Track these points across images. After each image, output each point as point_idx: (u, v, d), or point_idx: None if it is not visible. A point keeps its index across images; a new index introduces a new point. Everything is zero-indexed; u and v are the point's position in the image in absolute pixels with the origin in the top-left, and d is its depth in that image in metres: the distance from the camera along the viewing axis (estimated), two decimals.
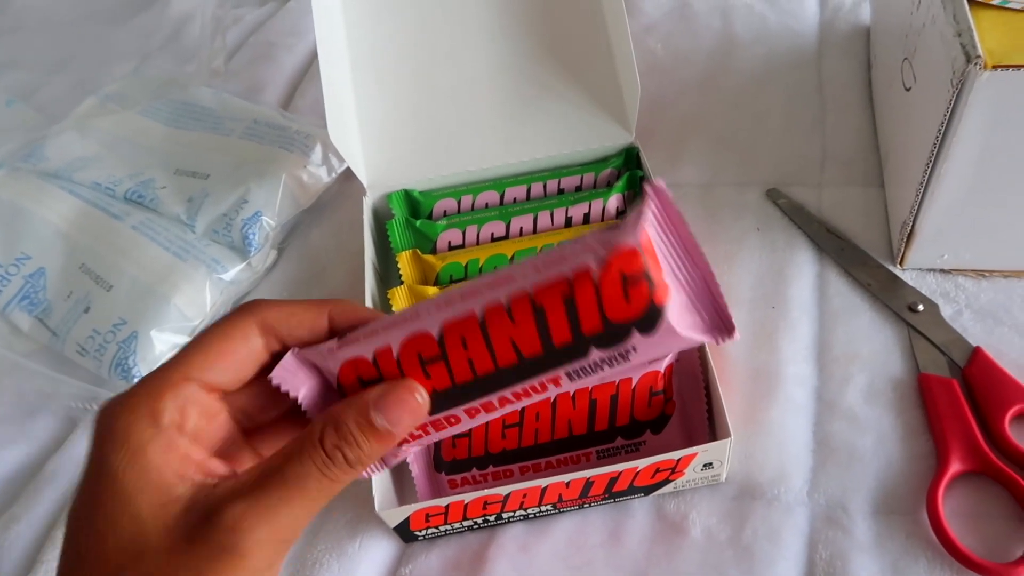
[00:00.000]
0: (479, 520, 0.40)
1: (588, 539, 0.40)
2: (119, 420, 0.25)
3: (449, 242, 0.49)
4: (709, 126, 0.59)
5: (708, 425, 0.41)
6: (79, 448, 0.48)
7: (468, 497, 0.37)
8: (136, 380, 0.47)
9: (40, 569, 0.43)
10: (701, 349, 0.41)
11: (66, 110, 0.66)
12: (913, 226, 0.45)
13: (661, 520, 0.40)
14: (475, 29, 0.54)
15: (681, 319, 0.25)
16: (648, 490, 0.40)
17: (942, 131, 0.39)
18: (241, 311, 0.28)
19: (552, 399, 0.40)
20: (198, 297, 0.51)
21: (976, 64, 0.36)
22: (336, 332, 0.29)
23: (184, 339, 0.50)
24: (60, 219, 0.55)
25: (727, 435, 0.38)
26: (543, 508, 0.40)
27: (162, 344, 0.49)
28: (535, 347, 0.26)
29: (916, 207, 0.44)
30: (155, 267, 0.52)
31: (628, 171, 0.50)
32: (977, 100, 0.37)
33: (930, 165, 0.41)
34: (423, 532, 0.40)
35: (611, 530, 0.41)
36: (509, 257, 0.47)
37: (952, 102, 0.38)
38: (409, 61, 0.54)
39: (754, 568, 0.38)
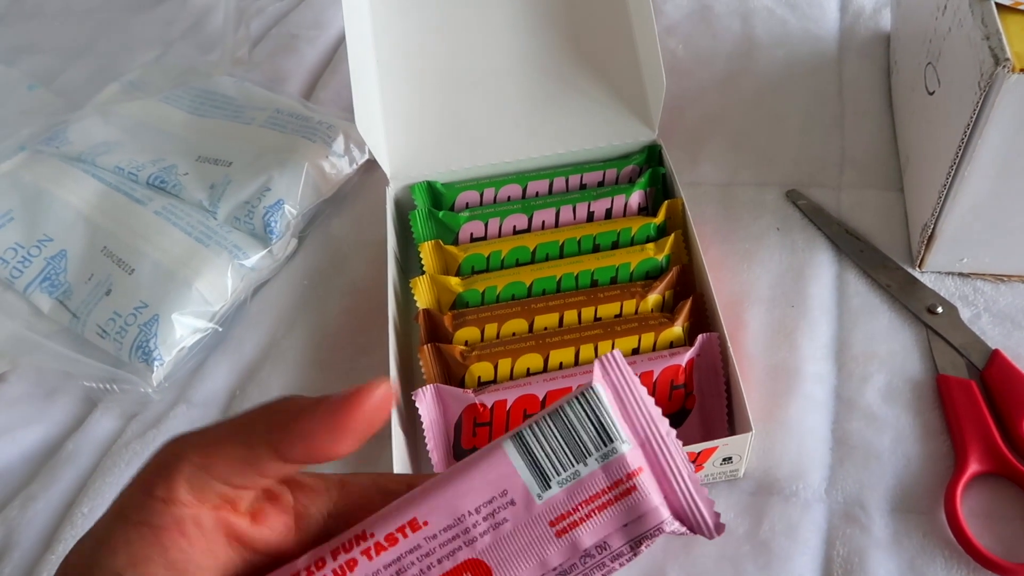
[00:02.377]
0: None
1: None
2: None
3: (471, 234, 0.49)
4: (729, 127, 0.59)
5: (727, 420, 0.41)
6: (97, 428, 0.48)
7: None
8: (156, 364, 0.48)
9: (58, 547, 0.43)
10: (723, 344, 0.41)
11: (87, 96, 0.66)
12: (934, 229, 0.45)
13: None
14: (500, 23, 0.54)
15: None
16: None
17: (967, 134, 0.39)
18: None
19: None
20: (219, 282, 0.51)
21: (1004, 67, 0.36)
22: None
23: (204, 323, 0.50)
24: (82, 202, 0.56)
25: (747, 430, 0.38)
26: None
27: (183, 328, 0.49)
28: None
29: (938, 210, 0.44)
30: (177, 252, 0.52)
31: (650, 168, 0.51)
32: (1004, 103, 0.37)
33: (954, 168, 0.41)
34: None
35: None
36: (531, 249, 0.47)
37: (979, 105, 0.38)
38: (434, 54, 0.54)
39: (771, 563, 0.38)
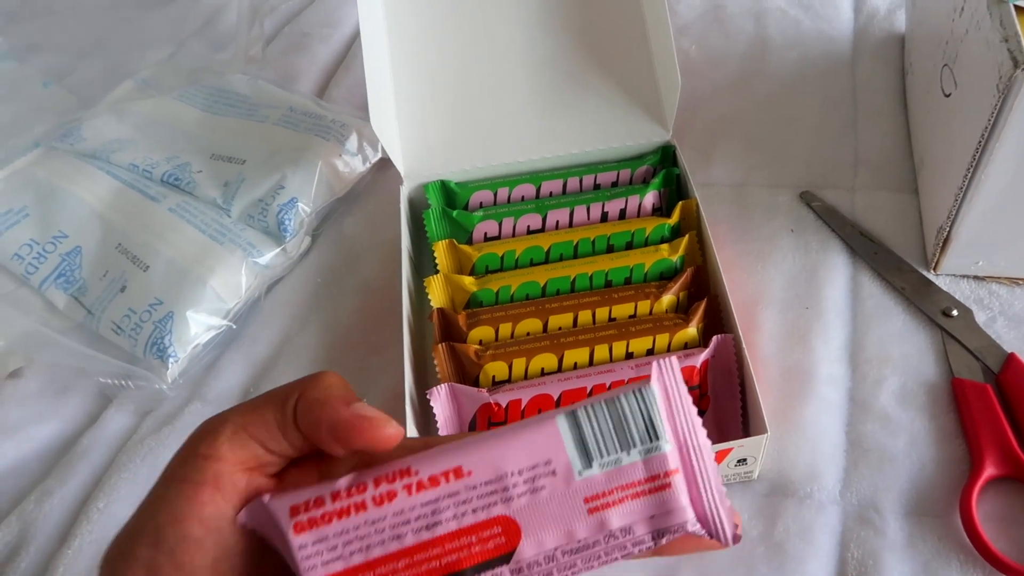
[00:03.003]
0: None
1: None
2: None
3: (485, 233, 0.49)
4: (742, 128, 0.59)
5: (742, 422, 0.41)
6: (112, 425, 0.48)
7: None
8: (171, 360, 0.48)
9: (73, 543, 0.43)
10: (737, 345, 0.41)
11: (100, 93, 0.67)
12: (949, 232, 0.45)
13: None
14: (515, 23, 0.54)
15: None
16: None
17: (985, 137, 0.39)
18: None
19: (588, 391, 0.40)
20: (233, 280, 0.51)
21: (1023, 69, 0.36)
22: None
23: (219, 321, 0.50)
24: (97, 199, 0.56)
25: (762, 431, 0.38)
26: None
27: (197, 325, 0.49)
28: None
29: (954, 213, 0.44)
30: (192, 249, 0.52)
31: (664, 168, 0.51)
32: (1023, 105, 0.37)
33: (970, 171, 0.41)
34: None
35: None
36: (545, 249, 0.47)
37: (997, 108, 0.38)
38: (448, 53, 0.54)
39: (785, 565, 0.38)
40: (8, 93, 0.69)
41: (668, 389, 0.24)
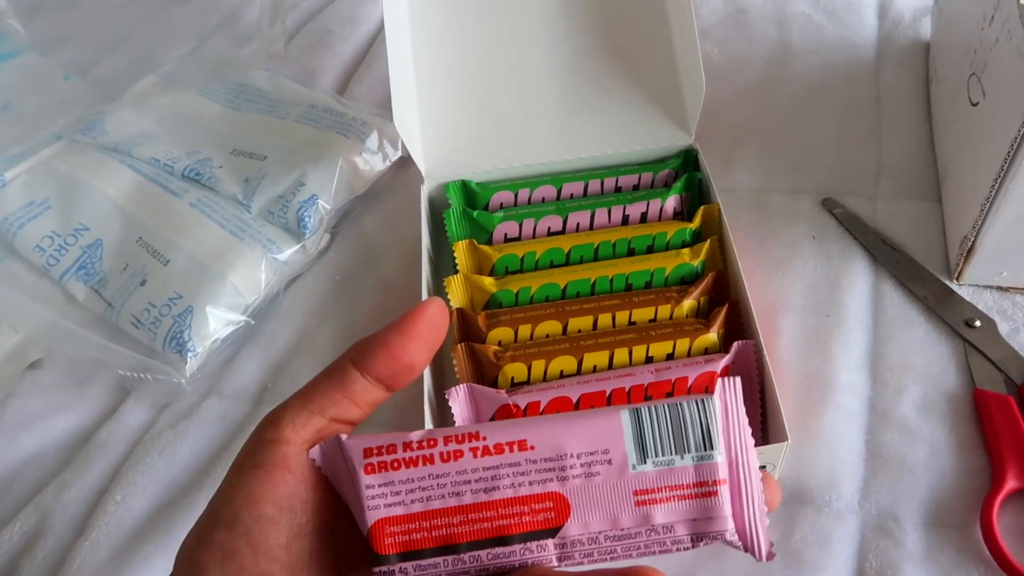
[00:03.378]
0: None
1: None
2: None
3: (505, 234, 0.49)
4: (763, 133, 0.59)
5: (761, 429, 0.41)
6: (130, 418, 0.49)
7: None
8: (190, 355, 0.48)
9: (91, 534, 0.43)
10: (758, 352, 0.41)
11: (122, 87, 0.67)
12: (974, 242, 0.44)
13: None
14: (538, 24, 0.54)
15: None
16: None
17: (1015, 147, 0.39)
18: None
19: (607, 396, 0.40)
20: (253, 276, 0.51)
21: None
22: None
23: (237, 316, 0.51)
24: (118, 193, 0.56)
25: (783, 439, 0.38)
26: None
27: (216, 320, 0.50)
28: None
29: (979, 223, 0.43)
30: (212, 244, 0.52)
31: (686, 173, 0.51)
32: None
33: (998, 181, 0.41)
34: None
35: None
36: (566, 251, 0.47)
37: None
38: (472, 54, 0.54)
39: (802, 573, 0.38)
40: (31, 86, 0.69)
41: (728, 406, 0.26)
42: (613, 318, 0.44)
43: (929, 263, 0.49)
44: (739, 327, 0.44)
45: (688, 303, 0.44)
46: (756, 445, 0.38)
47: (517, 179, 0.52)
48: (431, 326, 0.27)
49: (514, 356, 0.42)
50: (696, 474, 0.25)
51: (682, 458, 0.25)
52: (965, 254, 0.45)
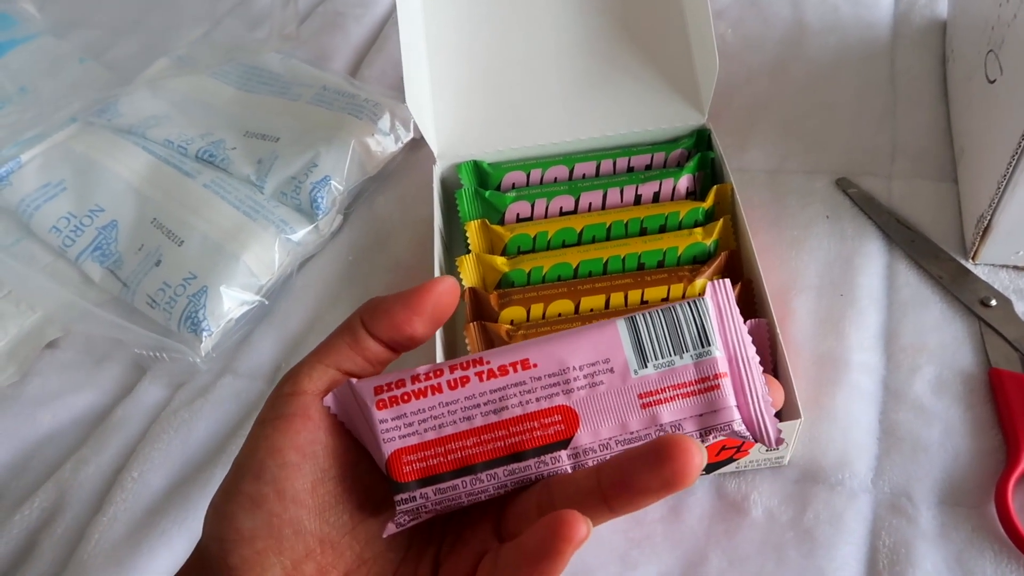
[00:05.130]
0: None
1: (648, 514, 0.41)
2: None
3: (517, 214, 0.49)
4: (778, 113, 0.58)
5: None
6: (146, 396, 0.49)
7: None
8: (205, 334, 0.49)
9: (109, 509, 0.44)
10: (771, 330, 0.41)
11: (137, 70, 0.67)
12: (991, 220, 0.44)
13: (722, 499, 0.41)
14: (550, 4, 0.54)
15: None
16: (711, 468, 0.40)
17: None
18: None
19: None
20: (266, 256, 0.52)
21: None
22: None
23: (251, 296, 0.51)
24: (133, 174, 0.57)
25: (795, 417, 0.38)
26: None
27: (230, 300, 0.50)
28: None
29: (996, 201, 0.43)
30: (226, 225, 0.52)
31: (699, 152, 0.50)
32: None
33: (1015, 157, 0.40)
34: None
35: (671, 506, 0.41)
36: (578, 231, 0.47)
37: None
38: (484, 34, 0.54)
39: (815, 551, 0.38)
40: (46, 69, 0.70)
41: (721, 306, 0.27)
42: (625, 297, 0.44)
43: (944, 243, 0.48)
44: (752, 306, 0.44)
45: (700, 282, 0.44)
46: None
47: (529, 159, 0.52)
48: (437, 303, 0.28)
49: (526, 335, 0.42)
50: (697, 371, 0.26)
51: (681, 358, 0.26)
52: (981, 233, 0.45)
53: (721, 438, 0.26)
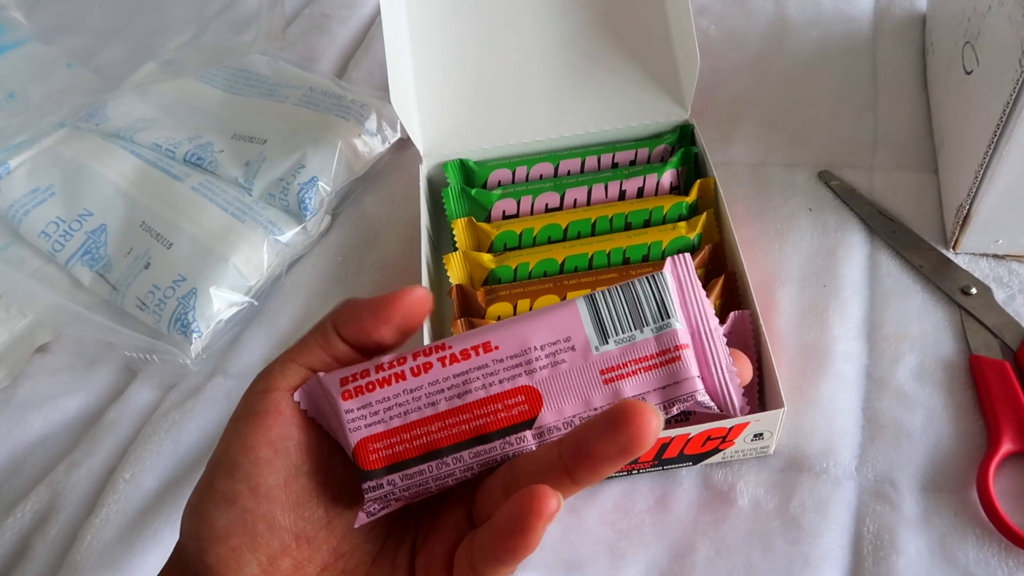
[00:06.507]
0: None
1: (636, 504, 0.41)
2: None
3: (503, 211, 0.50)
4: (761, 107, 0.59)
5: (758, 397, 0.41)
6: (137, 398, 0.50)
7: None
8: (194, 335, 0.49)
9: (101, 511, 0.44)
10: (755, 321, 0.41)
11: (124, 75, 0.67)
12: (969, 209, 0.45)
13: (708, 489, 0.41)
14: (533, 3, 0.54)
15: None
16: (697, 459, 0.41)
17: (1007, 113, 0.39)
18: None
19: None
20: (255, 257, 0.52)
21: None
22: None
23: (241, 297, 0.51)
24: (121, 178, 0.57)
25: (779, 406, 0.38)
26: None
27: (220, 301, 0.50)
28: None
29: (974, 190, 0.44)
30: (214, 227, 0.53)
31: (682, 147, 0.51)
32: None
33: (991, 146, 0.41)
34: None
35: (658, 497, 0.41)
36: (563, 227, 0.48)
37: (1019, 83, 0.38)
38: (468, 33, 0.54)
39: (801, 538, 0.39)
40: (34, 75, 0.70)
41: (681, 279, 0.27)
42: None
43: (925, 233, 0.49)
44: (736, 298, 0.44)
45: None
46: (753, 413, 0.39)
47: (514, 157, 0.53)
48: (406, 313, 0.28)
49: None
50: (657, 344, 0.26)
51: (642, 332, 0.26)
52: (961, 222, 0.46)
53: (685, 408, 0.26)
